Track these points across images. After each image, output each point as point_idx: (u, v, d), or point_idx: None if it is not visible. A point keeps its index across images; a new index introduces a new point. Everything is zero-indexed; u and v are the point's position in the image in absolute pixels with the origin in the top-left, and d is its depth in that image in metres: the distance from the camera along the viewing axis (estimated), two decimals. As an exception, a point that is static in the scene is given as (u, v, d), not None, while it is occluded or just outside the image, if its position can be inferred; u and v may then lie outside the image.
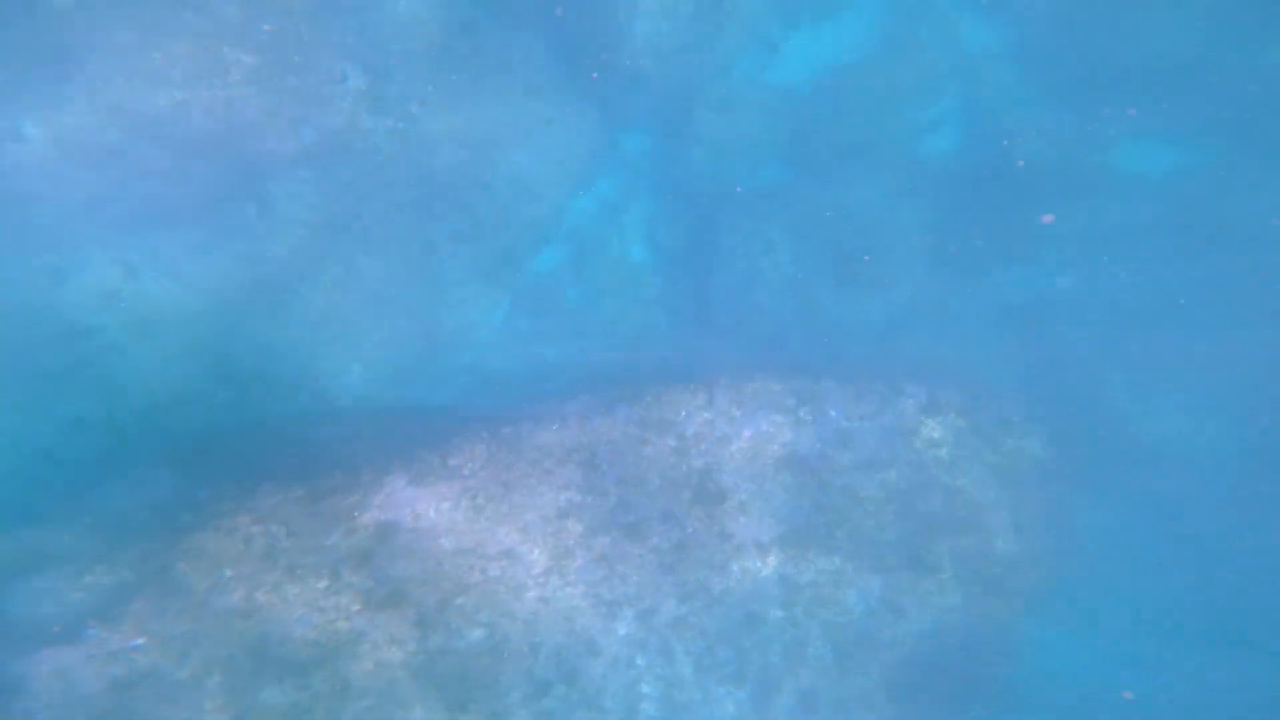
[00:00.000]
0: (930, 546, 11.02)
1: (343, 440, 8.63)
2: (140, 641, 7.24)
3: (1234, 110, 12.26)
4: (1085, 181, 12.90)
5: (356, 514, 8.13)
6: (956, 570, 11.22)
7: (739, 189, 14.45)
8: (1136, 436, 11.23)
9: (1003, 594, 11.37)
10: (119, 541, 8.46)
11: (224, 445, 9.51)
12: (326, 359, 11.10)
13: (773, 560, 10.72)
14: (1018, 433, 10.74)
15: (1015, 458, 10.76)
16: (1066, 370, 11.72)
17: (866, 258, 13.43)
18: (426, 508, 8.57)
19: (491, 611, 9.27)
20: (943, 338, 13.33)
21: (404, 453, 8.69)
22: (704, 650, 11.27)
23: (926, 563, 11.13)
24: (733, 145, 14.33)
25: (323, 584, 8.41)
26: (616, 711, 10.99)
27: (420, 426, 9.42)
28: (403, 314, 12.31)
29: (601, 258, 15.29)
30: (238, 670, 7.92)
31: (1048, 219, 12.93)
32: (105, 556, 8.38)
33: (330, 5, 10.21)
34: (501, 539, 8.99)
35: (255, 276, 10.61)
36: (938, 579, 11.26)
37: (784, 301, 14.10)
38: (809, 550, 10.82)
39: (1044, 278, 12.69)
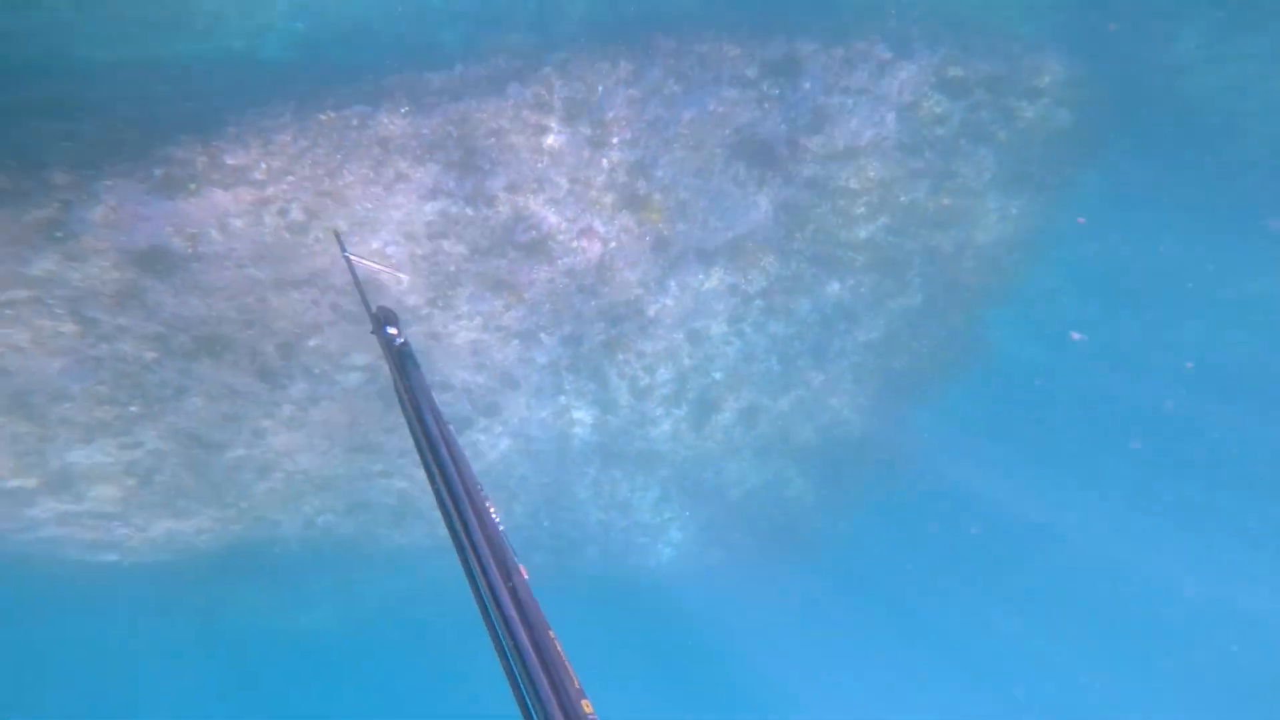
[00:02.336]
0: (901, 243, 9.43)
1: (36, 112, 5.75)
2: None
3: None
4: None
5: (60, 233, 5.80)
6: (923, 268, 9.87)
7: None
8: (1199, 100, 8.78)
9: (966, 292, 10.29)
10: None
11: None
12: None
13: (718, 272, 9.11)
14: (1048, 98, 8.19)
15: (1031, 134, 8.42)
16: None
17: None
18: (207, 222, 6.24)
19: (366, 353, 7.79)
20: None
21: (143, 145, 5.94)
22: (640, 371, 10.43)
23: (894, 261, 9.68)
24: None
25: (70, 328, 6.56)
26: (545, 438, 10.62)
27: (172, 103, 6.44)
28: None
29: None
30: None
31: None
32: None
33: None
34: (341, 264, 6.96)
35: None
36: (900, 279, 9.98)
37: None
38: (763, 257, 9.15)
39: None
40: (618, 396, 10.83)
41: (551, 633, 1.18)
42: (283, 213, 6.22)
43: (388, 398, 8.97)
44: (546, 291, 8.27)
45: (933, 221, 9.13)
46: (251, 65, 6.53)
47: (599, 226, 7.78)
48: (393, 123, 6.37)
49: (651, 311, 9.46)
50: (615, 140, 7.40)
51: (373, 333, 2.21)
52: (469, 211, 7.09)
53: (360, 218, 6.56)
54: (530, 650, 1.14)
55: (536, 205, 7.34)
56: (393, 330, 2.18)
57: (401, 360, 1.99)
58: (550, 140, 7.08)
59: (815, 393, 12.05)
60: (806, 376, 11.65)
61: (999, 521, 16.77)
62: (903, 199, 8.79)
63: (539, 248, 7.67)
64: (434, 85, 6.90)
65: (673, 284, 9.09)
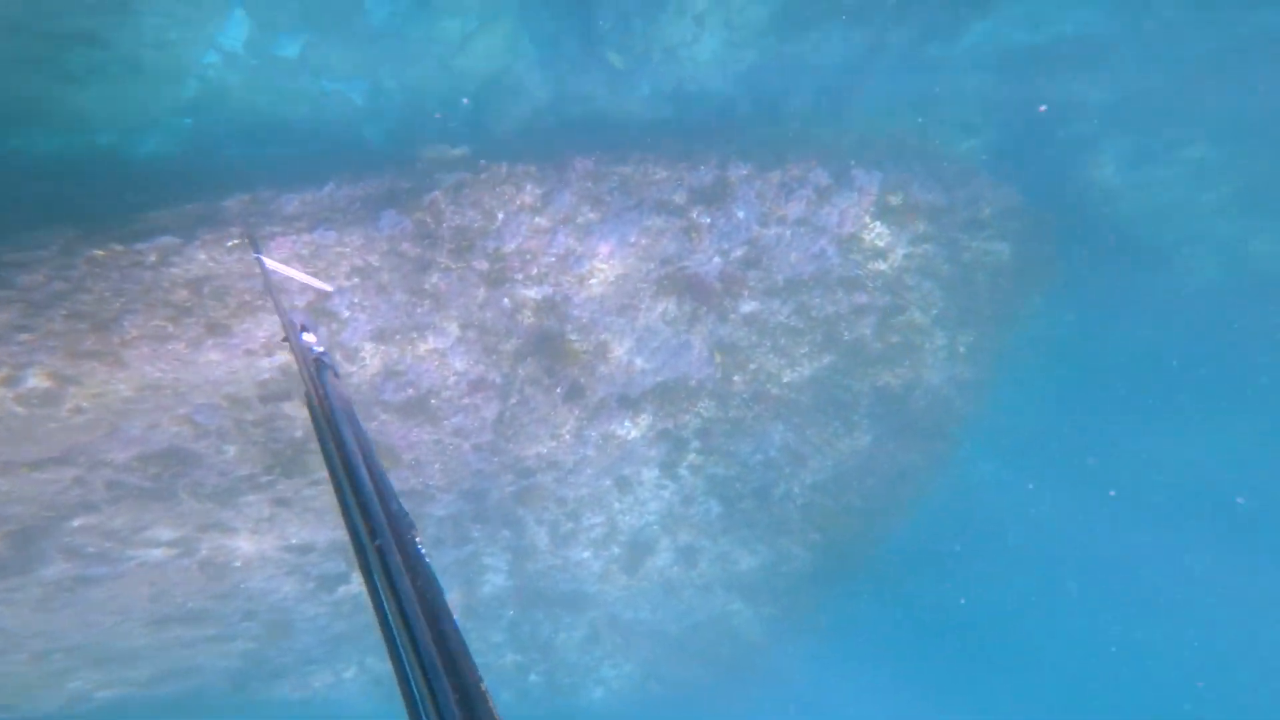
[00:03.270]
0: (848, 384, 8.47)
1: None
2: None
3: None
4: None
5: None
6: (872, 409, 8.92)
7: None
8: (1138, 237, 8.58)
9: (918, 433, 9.38)
10: None
11: None
12: None
13: (646, 419, 7.77)
14: (990, 230, 7.66)
15: (975, 267, 7.83)
16: (1067, 143, 8.46)
17: None
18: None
19: (176, 528, 5.73)
20: (911, 92, 9.37)
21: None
22: (562, 518, 8.77)
23: (841, 402, 8.68)
24: None
25: None
26: (449, 585, 8.57)
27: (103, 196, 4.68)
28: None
29: None
30: None
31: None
32: None
33: None
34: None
35: None
36: (847, 420, 8.96)
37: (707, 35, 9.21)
38: (698, 401, 7.92)
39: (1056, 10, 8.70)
40: (536, 541, 9.07)
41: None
42: (10, 381, 4.38)
43: (211, 571, 6.80)
44: (433, 453, 6.61)
45: (880, 359, 8.25)
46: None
47: (496, 378, 6.32)
48: (213, 259, 4.82)
49: (570, 462, 7.93)
50: (519, 276, 6.12)
51: (284, 340, 2.04)
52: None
53: (152, 381, 4.81)
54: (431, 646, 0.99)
55: (414, 356, 5.84)
56: (309, 337, 1.95)
57: (318, 370, 1.77)
58: (434, 279, 5.70)
59: (761, 532, 10.66)
60: (752, 517, 10.29)
61: (972, 633, 16.01)
62: (847, 336, 7.89)
63: (418, 408, 6.08)
64: (288, 209, 5.48)
65: (593, 434, 7.65)
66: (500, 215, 5.95)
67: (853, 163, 7.14)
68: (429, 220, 5.63)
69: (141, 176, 8.49)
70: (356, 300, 5.39)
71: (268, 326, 5.05)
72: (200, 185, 7.61)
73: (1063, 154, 9.92)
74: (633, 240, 6.37)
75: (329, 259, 5.25)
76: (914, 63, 10.29)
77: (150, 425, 4.98)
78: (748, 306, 7.22)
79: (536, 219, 6.05)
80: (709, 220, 6.59)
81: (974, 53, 10.36)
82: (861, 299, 7.56)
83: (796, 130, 8.79)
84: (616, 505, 9.00)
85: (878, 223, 7.08)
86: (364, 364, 5.62)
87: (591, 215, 6.20)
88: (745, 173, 6.69)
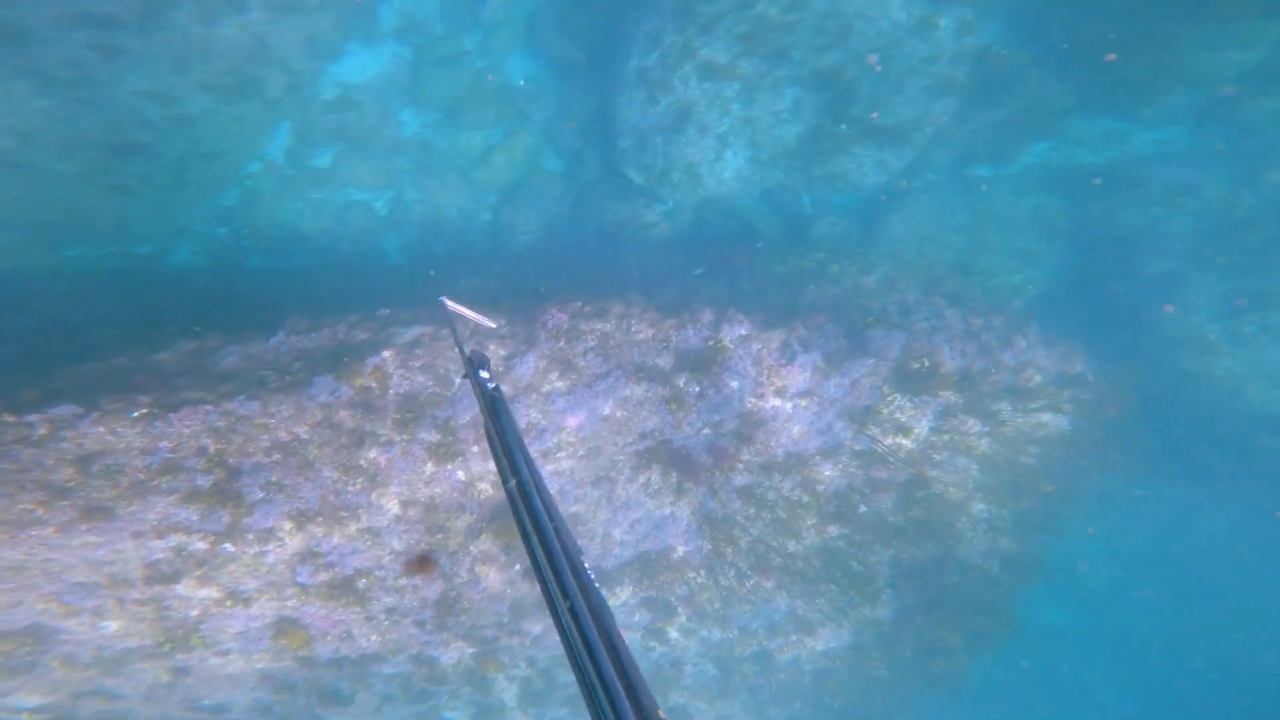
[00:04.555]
0: (863, 556, 7.35)
1: None
2: None
3: None
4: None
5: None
6: (894, 581, 7.72)
7: None
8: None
9: (952, 609, 8.07)
10: None
11: None
12: None
13: (626, 590, 6.89)
14: (1039, 404, 6.54)
15: (1020, 441, 6.68)
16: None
17: (875, 115, 7.98)
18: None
19: (42, 694, 5.17)
20: (956, 212, 8.41)
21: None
22: (535, 677, 7.91)
23: (856, 573, 7.55)
24: None
25: None
26: None
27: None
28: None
29: (457, 68, 9.10)
30: None
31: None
32: None
33: None
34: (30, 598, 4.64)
35: None
36: (865, 591, 7.78)
37: (732, 154, 8.67)
38: (685, 571, 7.00)
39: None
40: (505, 699, 8.19)
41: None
42: None
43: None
44: (366, 628, 5.92)
45: (901, 533, 7.13)
46: None
47: (441, 557, 5.63)
48: (111, 433, 4.36)
49: (539, 629, 7.10)
50: (475, 449, 5.47)
51: (464, 377, 2.21)
52: (228, 548, 4.91)
53: (13, 563, 4.32)
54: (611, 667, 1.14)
55: (343, 536, 5.22)
56: (485, 374, 2.12)
57: (493, 404, 1.94)
58: (373, 454, 5.11)
59: (763, 701, 9.42)
60: (753, 682, 9.09)
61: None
62: (862, 509, 6.83)
63: (342, 589, 5.43)
64: (224, 364, 5.05)
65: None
66: (457, 380, 5.34)
67: (870, 320, 6.22)
68: (373, 385, 5.08)
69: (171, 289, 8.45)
70: (274, 479, 4.83)
71: (160, 509, 4.53)
72: (216, 304, 7.44)
73: (1142, 291, 8.67)
74: (606, 413, 5.63)
75: (245, 433, 4.73)
76: (959, 183, 9.35)
77: (11, 605, 4.51)
78: (741, 479, 6.32)
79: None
80: (697, 389, 5.79)
81: (1031, 173, 9.32)
82: (881, 474, 6.53)
83: (820, 261, 7.96)
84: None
85: (898, 394, 6.10)
86: (281, 543, 5.01)
87: (559, 383, 5.51)
88: (743, 333, 5.88)
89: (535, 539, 1.42)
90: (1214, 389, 8.13)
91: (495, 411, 1.89)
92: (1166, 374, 7.86)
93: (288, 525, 4.98)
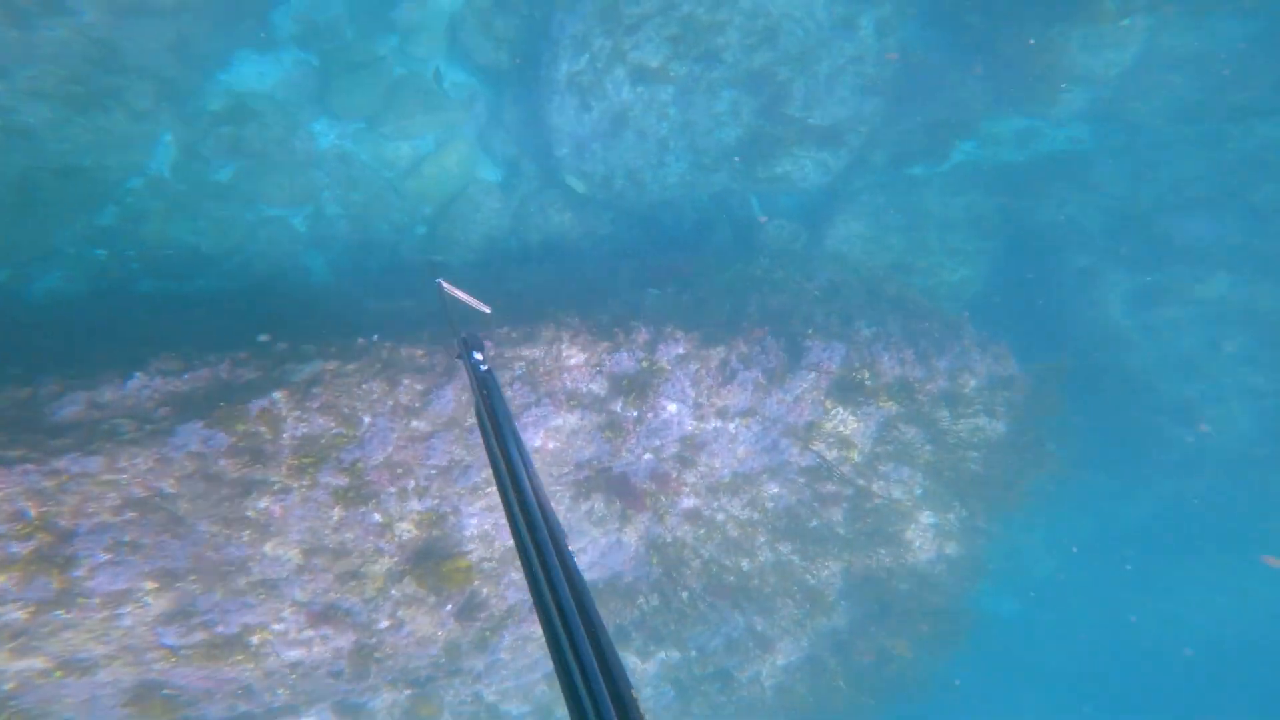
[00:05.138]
0: (814, 569, 7.19)
1: None
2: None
3: None
4: None
5: None
6: (847, 591, 7.60)
7: None
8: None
9: (903, 617, 8.02)
10: None
11: None
12: None
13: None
14: (974, 409, 6.49)
15: (962, 448, 6.63)
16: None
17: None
18: None
19: None
20: (894, 213, 8.34)
21: None
22: (480, 711, 7.45)
23: (809, 586, 7.38)
24: None
25: None
26: None
27: None
28: None
29: (372, 75, 8.44)
30: None
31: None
32: None
33: None
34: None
35: None
36: (819, 602, 7.63)
37: (672, 157, 8.35)
38: (635, 597, 6.68)
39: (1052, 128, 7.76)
40: None
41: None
42: None
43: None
44: (269, 683, 5.36)
45: (851, 545, 6.99)
46: None
47: (354, 604, 5.13)
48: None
49: (480, 667, 6.65)
50: (391, 490, 4.99)
51: (458, 357, 2.30)
52: (59, 615, 4.28)
53: None
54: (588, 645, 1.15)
55: (227, 592, 4.66)
56: (478, 355, 2.21)
57: (485, 385, 2.01)
58: (264, 503, 4.58)
59: (728, 716, 9.21)
60: (714, 700, 8.87)
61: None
62: (813, 523, 6.66)
63: (226, 646, 4.86)
64: (60, 415, 4.41)
65: (506, 637, 6.39)
66: (366, 419, 4.86)
67: (810, 331, 6.04)
68: (262, 430, 4.54)
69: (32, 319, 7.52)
70: (128, 539, 4.24)
71: None
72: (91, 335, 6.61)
73: (1065, 288, 8.81)
74: (537, 445, 5.24)
75: (83, 491, 4.13)
76: (898, 184, 9.34)
77: None
78: (688, 502, 6.04)
79: (413, 423, 4.95)
80: (635, 414, 5.46)
81: (960, 170, 9.38)
82: (829, 488, 6.36)
83: (765, 268, 7.76)
84: (542, 694, 7.66)
85: (840, 407, 5.93)
86: (140, 604, 4.42)
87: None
88: (680, 352, 5.59)
89: (521, 520, 1.42)
90: (1129, 381, 8.34)
91: (488, 389, 1.96)
92: (1088, 369, 8.01)
93: (148, 585, 4.39)
